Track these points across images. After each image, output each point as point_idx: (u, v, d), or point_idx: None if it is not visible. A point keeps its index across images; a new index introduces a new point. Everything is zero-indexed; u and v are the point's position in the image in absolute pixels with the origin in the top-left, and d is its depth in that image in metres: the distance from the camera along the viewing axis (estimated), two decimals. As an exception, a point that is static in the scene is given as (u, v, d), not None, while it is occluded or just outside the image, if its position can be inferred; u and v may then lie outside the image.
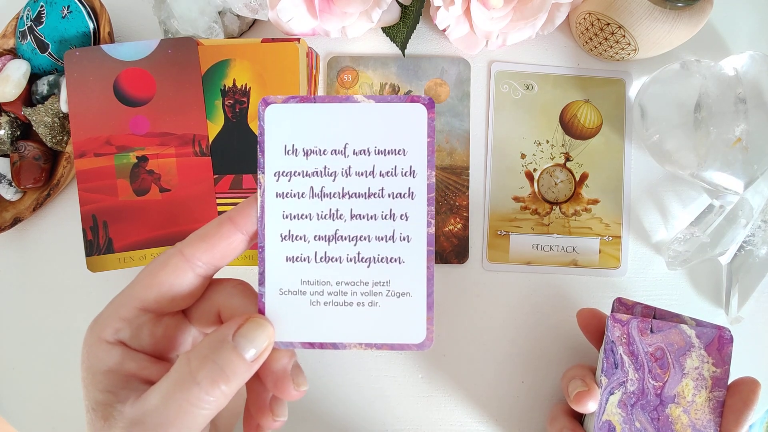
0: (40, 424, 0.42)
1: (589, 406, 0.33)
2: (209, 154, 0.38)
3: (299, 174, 0.25)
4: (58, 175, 0.42)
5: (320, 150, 0.24)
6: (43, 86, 0.41)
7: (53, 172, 0.42)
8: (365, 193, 0.24)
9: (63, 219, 0.43)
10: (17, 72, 0.41)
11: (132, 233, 0.38)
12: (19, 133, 0.42)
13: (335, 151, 0.24)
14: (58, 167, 0.42)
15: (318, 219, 0.25)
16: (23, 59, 0.42)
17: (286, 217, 0.25)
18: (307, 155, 0.24)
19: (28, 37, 0.41)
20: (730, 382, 0.33)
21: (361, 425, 0.41)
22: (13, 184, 0.41)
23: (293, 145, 0.24)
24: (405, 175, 0.24)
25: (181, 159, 0.38)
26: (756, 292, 0.40)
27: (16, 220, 0.41)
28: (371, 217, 0.24)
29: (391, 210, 0.24)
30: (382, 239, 0.24)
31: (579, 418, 0.36)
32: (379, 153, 0.24)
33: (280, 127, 0.24)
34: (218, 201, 0.38)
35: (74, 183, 0.43)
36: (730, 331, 0.33)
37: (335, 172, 0.24)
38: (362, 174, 0.24)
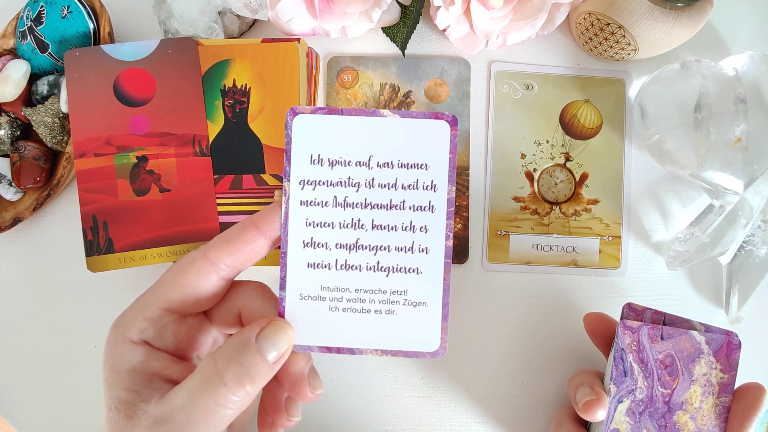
0: (41, 424, 0.42)
1: (599, 415, 0.32)
2: (209, 154, 0.38)
3: (323, 183, 0.25)
4: (58, 175, 0.42)
5: (345, 161, 0.25)
6: (43, 86, 0.41)
7: (53, 172, 0.42)
8: (387, 204, 0.25)
9: (63, 219, 0.43)
10: (17, 72, 0.41)
11: (132, 233, 0.38)
12: (19, 133, 0.42)
13: (360, 162, 0.25)
14: (58, 167, 0.42)
15: (340, 228, 0.25)
16: (23, 59, 0.42)
17: (309, 224, 0.25)
18: (332, 165, 0.25)
19: (28, 37, 0.41)
20: (735, 386, 0.33)
21: (361, 425, 0.41)
22: (13, 184, 0.41)
23: (319, 155, 0.25)
24: (426, 188, 0.25)
25: (181, 159, 0.38)
26: (756, 292, 0.40)
27: (16, 220, 0.41)
28: (392, 228, 0.25)
29: (411, 222, 0.25)
30: (401, 250, 0.25)
31: (584, 424, 0.36)
32: (402, 166, 0.25)
33: (307, 137, 0.25)
34: (218, 201, 0.38)
35: (74, 183, 0.43)
36: (738, 336, 0.33)
37: (359, 183, 0.25)
38: (385, 186, 0.25)
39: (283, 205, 0.25)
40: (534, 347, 0.41)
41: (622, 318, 0.34)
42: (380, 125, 0.25)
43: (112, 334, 0.25)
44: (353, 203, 0.25)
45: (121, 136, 0.38)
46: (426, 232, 0.25)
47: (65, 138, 0.41)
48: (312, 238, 0.25)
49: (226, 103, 0.38)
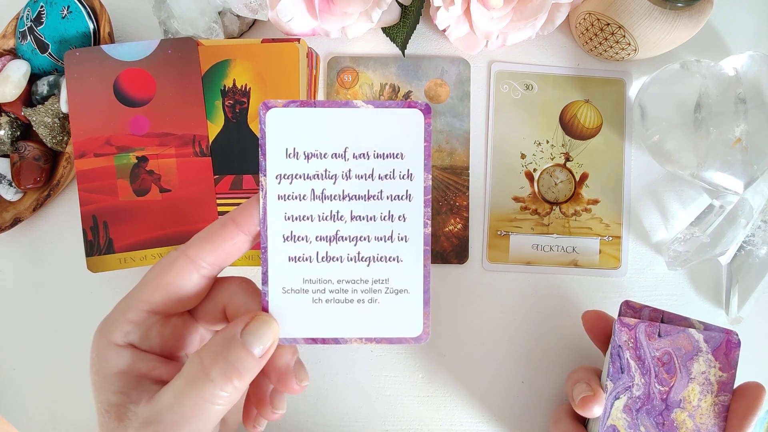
0: (41, 424, 0.42)
1: (595, 411, 0.33)
2: (209, 155, 0.38)
3: (300, 177, 0.25)
4: (58, 175, 0.42)
5: (321, 153, 0.25)
6: (43, 86, 0.41)
7: (53, 172, 0.42)
8: (365, 195, 0.25)
9: (63, 219, 0.43)
10: (17, 72, 0.41)
11: (132, 233, 0.38)
12: (19, 133, 0.42)
13: (335, 154, 0.25)
14: (58, 167, 0.42)
15: (319, 220, 0.25)
16: (23, 59, 0.42)
17: (288, 218, 0.25)
18: (308, 158, 0.25)
19: (28, 38, 0.41)
20: (735, 385, 0.33)
21: (362, 424, 0.41)
22: (13, 184, 0.41)
23: (294, 149, 0.25)
24: (403, 178, 0.25)
25: (181, 159, 0.38)
26: (756, 292, 0.40)
27: (16, 221, 0.41)
28: (371, 218, 0.25)
29: (389, 211, 0.25)
30: (381, 239, 0.25)
31: (582, 421, 0.36)
32: (378, 157, 0.25)
33: (282, 131, 0.25)
34: (218, 201, 0.38)
35: (74, 183, 0.43)
36: (737, 335, 0.32)
37: (336, 175, 0.25)
38: (362, 177, 0.25)
39: (261, 200, 0.25)
40: (534, 347, 0.41)
41: (619, 315, 0.34)
42: (354, 116, 0.25)
43: (96, 339, 0.25)
44: (331, 195, 0.25)
45: (121, 137, 0.38)
46: (404, 221, 0.25)
47: (65, 138, 0.41)
48: (292, 231, 0.25)
49: (226, 103, 0.38)
